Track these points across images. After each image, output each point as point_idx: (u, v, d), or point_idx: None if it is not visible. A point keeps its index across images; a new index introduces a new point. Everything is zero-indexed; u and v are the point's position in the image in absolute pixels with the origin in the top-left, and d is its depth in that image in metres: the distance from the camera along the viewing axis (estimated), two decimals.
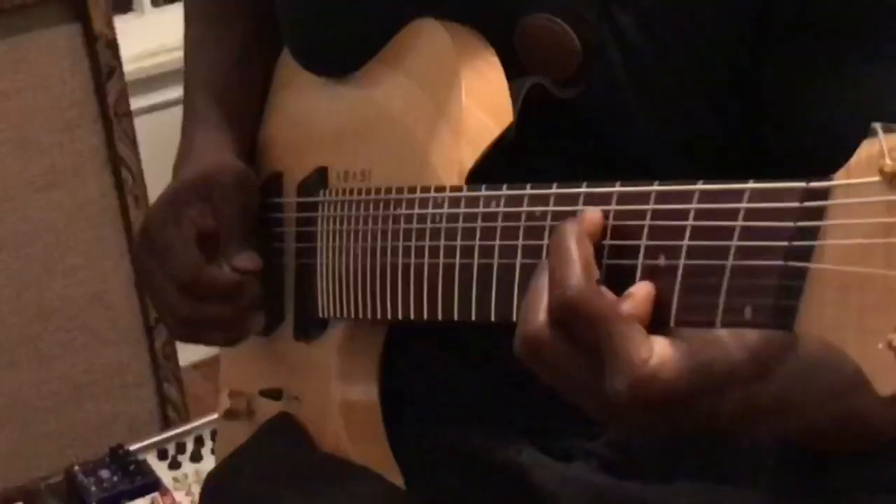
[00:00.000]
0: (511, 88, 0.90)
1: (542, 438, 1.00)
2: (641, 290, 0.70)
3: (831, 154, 0.62)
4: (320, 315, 1.04)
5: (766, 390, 0.69)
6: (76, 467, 1.93)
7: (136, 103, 2.32)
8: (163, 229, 1.07)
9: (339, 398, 1.03)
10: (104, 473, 1.92)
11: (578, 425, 0.95)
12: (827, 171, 0.62)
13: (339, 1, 1.01)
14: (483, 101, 0.89)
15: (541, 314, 0.70)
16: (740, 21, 0.86)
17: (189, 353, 2.64)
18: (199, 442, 2.02)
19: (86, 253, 2.21)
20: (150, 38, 2.76)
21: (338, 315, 1.01)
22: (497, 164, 0.89)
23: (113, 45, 2.17)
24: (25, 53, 2.11)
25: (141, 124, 2.28)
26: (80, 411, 2.26)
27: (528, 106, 0.89)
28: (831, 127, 0.83)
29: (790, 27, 0.85)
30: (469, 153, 0.89)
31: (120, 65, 2.18)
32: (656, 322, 0.69)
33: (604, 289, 0.70)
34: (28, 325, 2.19)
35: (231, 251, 1.07)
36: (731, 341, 0.69)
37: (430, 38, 0.93)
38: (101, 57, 2.16)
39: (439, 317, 0.80)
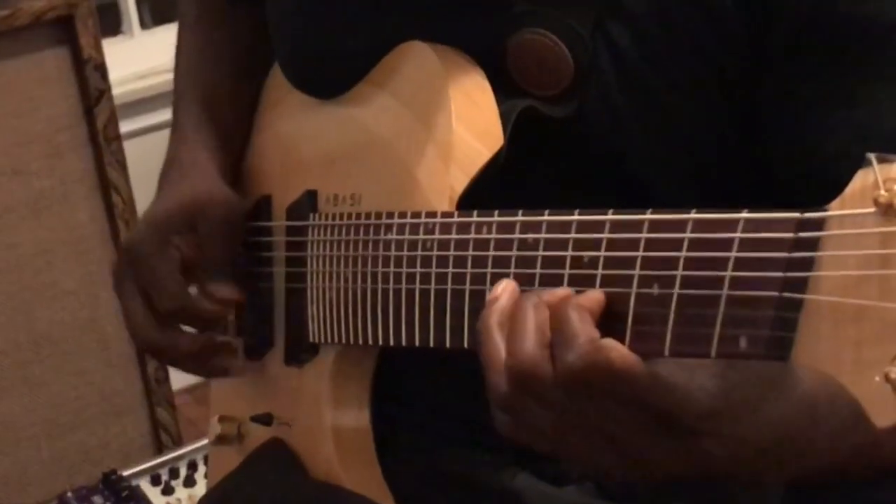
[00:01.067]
0: (502, 111, 0.89)
1: (536, 463, 0.99)
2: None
3: (828, 174, 0.62)
4: (311, 340, 1.03)
5: (759, 429, 0.69)
6: (69, 493, 1.93)
7: (125, 126, 2.32)
8: (147, 255, 1.07)
9: (330, 424, 1.02)
10: (97, 499, 1.92)
11: None
12: (824, 189, 0.62)
13: (330, 21, 1.00)
14: (473, 126, 0.89)
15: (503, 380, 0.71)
16: (736, 40, 0.85)
17: (182, 378, 2.62)
18: (192, 467, 2.01)
19: (76, 278, 2.20)
20: (140, 61, 2.75)
21: (329, 340, 1.00)
22: (491, 187, 0.88)
23: (102, 69, 2.16)
24: (14, 78, 2.10)
25: (131, 147, 2.28)
26: (72, 437, 2.25)
27: (520, 127, 0.88)
28: (829, 147, 0.82)
29: (788, 49, 0.84)
30: (460, 178, 0.88)
31: (109, 88, 2.18)
32: (651, 352, 0.69)
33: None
34: (19, 351, 2.18)
35: (213, 280, 1.07)
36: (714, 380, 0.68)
37: (419, 61, 0.93)
38: (90, 80, 2.16)
39: (430, 343, 0.80)
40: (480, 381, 0.76)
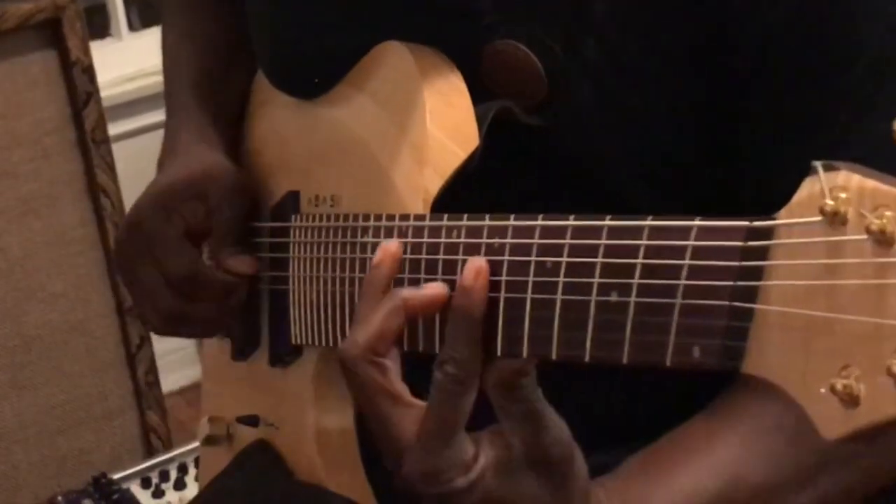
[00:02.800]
0: (477, 112, 0.89)
1: None
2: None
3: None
4: (293, 342, 1.03)
5: None
6: (59, 497, 1.93)
7: (114, 129, 2.31)
8: (154, 223, 1.04)
9: (314, 425, 1.02)
10: (87, 503, 1.91)
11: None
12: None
13: (308, 23, 1.00)
14: (448, 126, 0.89)
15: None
16: (705, 56, 0.85)
17: (172, 380, 2.62)
18: (182, 470, 2.01)
19: (66, 281, 2.20)
20: (128, 63, 2.75)
21: (310, 343, 0.99)
22: (466, 190, 0.88)
23: (89, 71, 2.16)
24: (1, 81, 2.10)
25: (119, 150, 2.28)
26: (62, 440, 2.24)
27: (495, 130, 0.88)
28: (794, 171, 0.82)
29: (754, 71, 0.84)
30: (434, 180, 0.88)
31: (97, 90, 2.17)
32: (611, 361, 0.69)
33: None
34: (8, 354, 2.18)
35: (225, 253, 1.06)
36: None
37: (394, 61, 0.93)
38: (78, 83, 2.15)
39: (405, 348, 0.79)
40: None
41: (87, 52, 2.16)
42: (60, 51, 2.14)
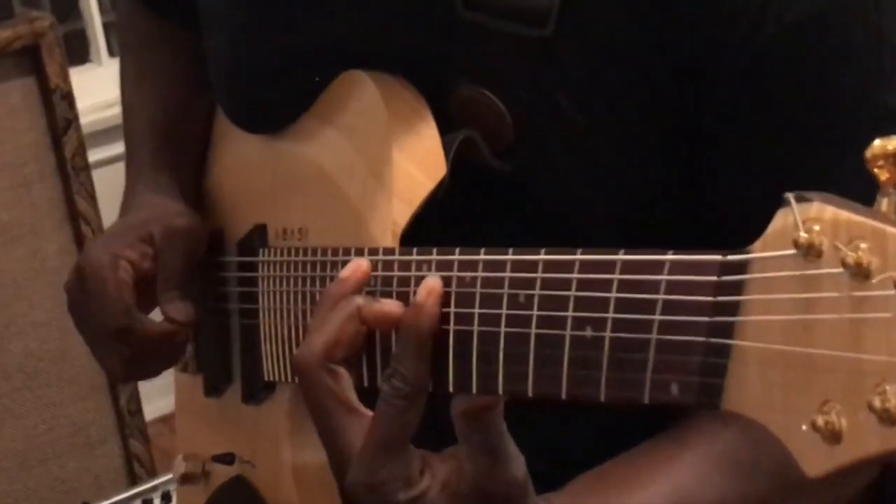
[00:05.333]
0: (443, 141, 0.88)
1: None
2: None
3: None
4: (266, 378, 1.01)
5: None
6: None
7: (94, 155, 2.30)
8: (97, 272, 1.04)
9: (290, 461, 1.00)
10: None
11: (542, 485, 0.93)
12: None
13: (270, 60, 0.98)
14: (415, 156, 0.87)
15: None
16: (675, 99, 0.84)
17: (155, 407, 2.60)
18: (166, 498, 1.99)
19: (46, 309, 2.18)
20: (108, 89, 2.74)
21: (282, 379, 0.98)
22: (434, 232, 0.87)
23: (69, 98, 2.15)
24: None
25: (100, 177, 2.26)
26: (45, 469, 2.23)
27: (462, 164, 0.87)
28: (767, 212, 0.82)
29: (722, 116, 0.83)
30: (402, 211, 0.87)
31: (77, 117, 2.16)
32: (587, 398, 0.67)
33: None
34: None
35: (166, 298, 1.05)
36: None
37: (359, 91, 0.91)
38: (58, 110, 2.14)
39: (377, 383, 0.78)
40: (443, 419, 0.75)
41: (66, 78, 2.15)
42: (40, 77, 2.13)
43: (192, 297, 1.06)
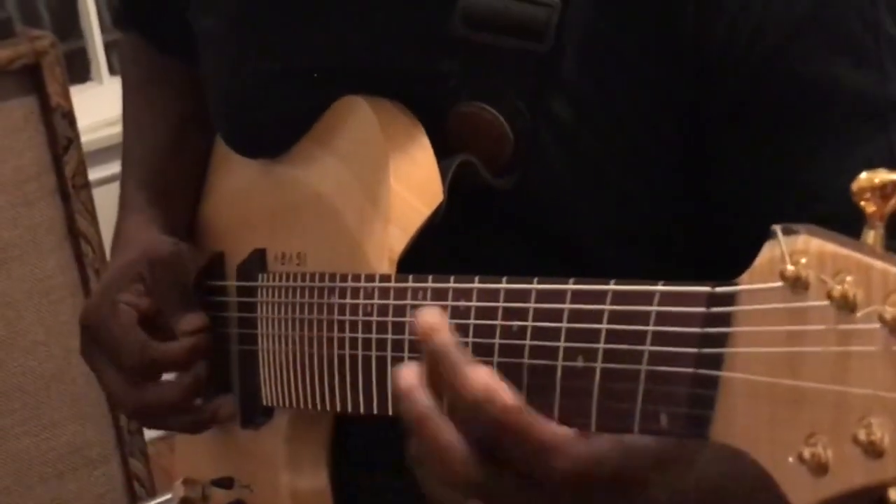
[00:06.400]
0: (440, 167, 0.88)
1: None
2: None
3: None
4: (264, 403, 1.02)
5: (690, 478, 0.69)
6: None
7: (94, 174, 2.30)
8: (102, 322, 1.06)
9: (288, 487, 1.01)
10: None
11: None
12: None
13: (267, 84, 0.99)
14: (411, 183, 0.88)
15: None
16: (677, 108, 0.84)
17: None
18: None
19: (47, 328, 2.18)
20: (109, 108, 2.74)
21: (281, 404, 0.99)
22: (434, 250, 0.87)
23: (70, 117, 2.15)
24: None
25: (100, 195, 2.26)
26: (45, 489, 2.22)
27: (460, 187, 0.87)
28: (776, 211, 0.82)
29: (731, 115, 0.84)
30: (399, 237, 0.87)
31: (77, 136, 2.16)
32: (578, 427, 0.68)
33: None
34: None
35: (173, 320, 1.05)
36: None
37: (356, 117, 0.92)
38: (58, 128, 2.14)
39: (374, 411, 0.78)
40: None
41: (67, 97, 2.15)
42: (40, 96, 2.13)
43: (198, 309, 1.06)
